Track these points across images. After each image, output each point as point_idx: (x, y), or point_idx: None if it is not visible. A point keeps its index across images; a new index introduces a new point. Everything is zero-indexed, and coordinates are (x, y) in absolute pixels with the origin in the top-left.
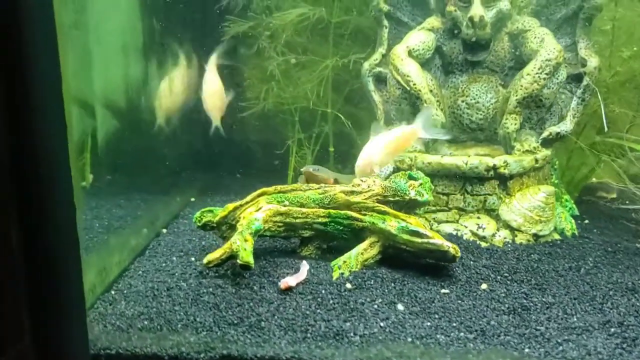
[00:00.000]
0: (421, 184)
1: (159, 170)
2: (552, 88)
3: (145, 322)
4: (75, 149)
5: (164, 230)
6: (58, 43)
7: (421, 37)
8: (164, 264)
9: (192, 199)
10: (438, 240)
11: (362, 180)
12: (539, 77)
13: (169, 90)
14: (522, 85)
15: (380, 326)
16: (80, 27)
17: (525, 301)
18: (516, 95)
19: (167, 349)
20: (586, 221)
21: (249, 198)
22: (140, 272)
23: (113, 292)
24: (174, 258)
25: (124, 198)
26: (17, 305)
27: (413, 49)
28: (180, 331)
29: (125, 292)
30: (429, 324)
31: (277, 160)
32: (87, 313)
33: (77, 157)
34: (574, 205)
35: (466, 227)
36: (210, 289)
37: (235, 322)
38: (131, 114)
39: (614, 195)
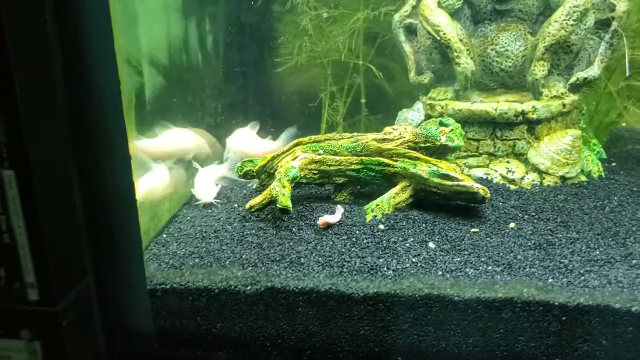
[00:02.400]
0: (452, 130)
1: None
2: (580, 34)
3: (196, 260)
4: (126, 104)
5: None
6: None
7: None
8: (209, 211)
9: None
10: (468, 182)
11: (393, 129)
12: (566, 23)
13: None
14: (549, 32)
15: (412, 262)
16: None
17: (550, 237)
18: (544, 42)
19: (217, 283)
20: (614, 164)
21: (285, 148)
22: (188, 218)
23: (165, 236)
24: (219, 205)
25: None
26: (79, 247)
27: (442, 0)
28: (228, 267)
29: (176, 235)
30: (458, 259)
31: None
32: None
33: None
34: (602, 149)
35: (496, 171)
36: (254, 231)
37: (278, 259)
38: (175, 70)
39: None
